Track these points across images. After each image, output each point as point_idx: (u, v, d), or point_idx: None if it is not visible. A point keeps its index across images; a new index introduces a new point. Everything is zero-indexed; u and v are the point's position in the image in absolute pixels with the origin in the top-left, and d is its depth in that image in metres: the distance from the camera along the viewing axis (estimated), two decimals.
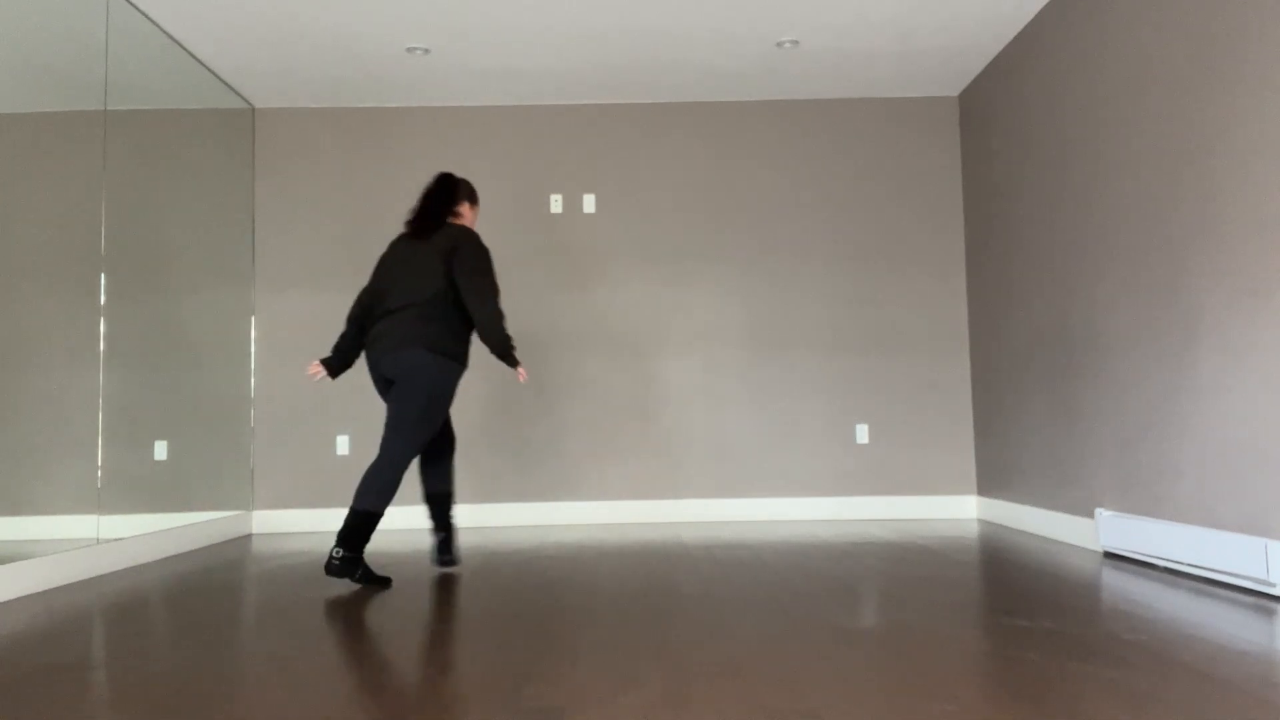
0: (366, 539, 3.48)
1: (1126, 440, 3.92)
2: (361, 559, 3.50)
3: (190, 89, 5.02)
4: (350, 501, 5.65)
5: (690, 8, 4.59)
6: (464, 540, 4.97)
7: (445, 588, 3.51)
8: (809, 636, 2.58)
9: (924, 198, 5.83)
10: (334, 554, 3.45)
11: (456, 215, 3.87)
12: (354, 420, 5.71)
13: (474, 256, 3.62)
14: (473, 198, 3.94)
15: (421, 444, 3.57)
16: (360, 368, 5.77)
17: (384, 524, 5.66)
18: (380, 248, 5.80)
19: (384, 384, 3.69)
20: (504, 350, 3.58)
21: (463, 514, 5.66)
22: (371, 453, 5.69)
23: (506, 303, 5.79)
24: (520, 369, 3.61)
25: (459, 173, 5.84)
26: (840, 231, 5.81)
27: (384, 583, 3.58)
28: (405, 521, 5.65)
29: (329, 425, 5.71)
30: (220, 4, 4.47)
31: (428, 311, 3.58)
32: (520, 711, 1.95)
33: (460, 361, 3.63)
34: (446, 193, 3.84)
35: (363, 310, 3.79)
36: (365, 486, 3.48)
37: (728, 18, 4.70)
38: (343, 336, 3.79)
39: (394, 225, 5.82)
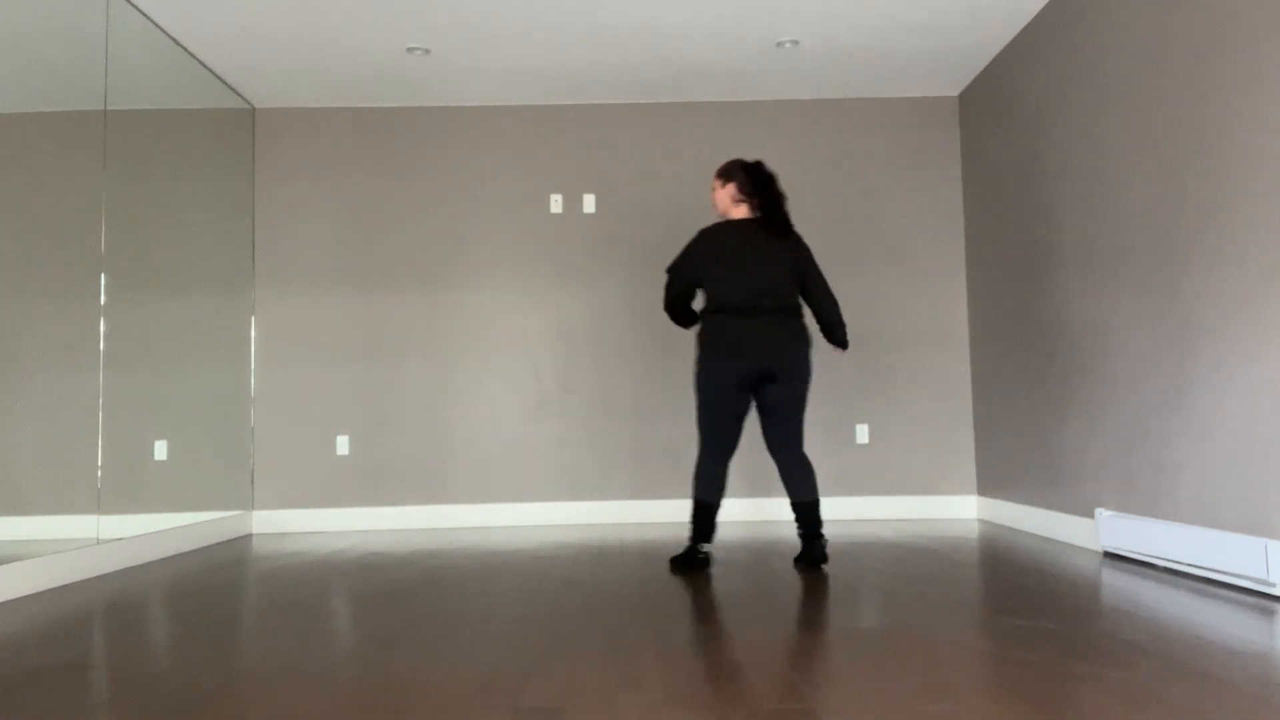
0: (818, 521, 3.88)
1: (1126, 440, 3.92)
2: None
3: (190, 89, 5.02)
4: (347, 501, 5.66)
5: (690, 8, 4.59)
6: (458, 541, 4.97)
7: (443, 590, 3.51)
8: (809, 636, 2.58)
9: (924, 198, 5.83)
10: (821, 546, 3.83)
11: None
12: (354, 420, 5.72)
13: (816, 262, 4.08)
14: None
15: None
16: (358, 364, 5.76)
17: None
18: (380, 248, 5.80)
19: (755, 380, 3.83)
20: (845, 341, 4.05)
21: (459, 515, 5.67)
22: (372, 452, 5.70)
23: (506, 300, 5.79)
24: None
25: (458, 173, 5.85)
26: (840, 231, 5.81)
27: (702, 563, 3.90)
28: (397, 522, 5.66)
29: (329, 425, 5.71)
30: (220, 4, 4.47)
31: (800, 313, 3.92)
32: (520, 711, 1.95)
33: None
34: (779, 191, 4.00)
35: (687, 298, 4.00)
36: (805, 471, 3.85)
37: (728, 18, 4.70)
38: (685, 312, 4.03)
39: (394, 225, 5.81)
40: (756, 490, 5.70)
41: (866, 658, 2.33)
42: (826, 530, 5.11)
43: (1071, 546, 4.29)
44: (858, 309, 5.76)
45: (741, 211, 3.98)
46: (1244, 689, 2.01)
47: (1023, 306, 4.91)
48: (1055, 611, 2.84)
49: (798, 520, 3.85)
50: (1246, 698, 1.95)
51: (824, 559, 3.80)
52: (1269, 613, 2.79)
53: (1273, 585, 3.01)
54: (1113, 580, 3.40)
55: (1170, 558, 3.54)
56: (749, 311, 3.80)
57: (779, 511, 5.67)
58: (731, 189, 3.98)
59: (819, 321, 4.01)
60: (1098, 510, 4.06)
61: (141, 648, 2.62)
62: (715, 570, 3.78)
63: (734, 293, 3.81)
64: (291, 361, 5.74)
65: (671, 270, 3.99)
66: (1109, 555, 4.00)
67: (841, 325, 4.01)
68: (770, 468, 5.70)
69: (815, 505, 3.83)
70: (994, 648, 2.40)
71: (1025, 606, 2.92)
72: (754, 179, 3.96)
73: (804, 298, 3.97)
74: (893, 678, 2.15)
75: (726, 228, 3.92)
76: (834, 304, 3.98)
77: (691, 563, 3.84)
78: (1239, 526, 3.22)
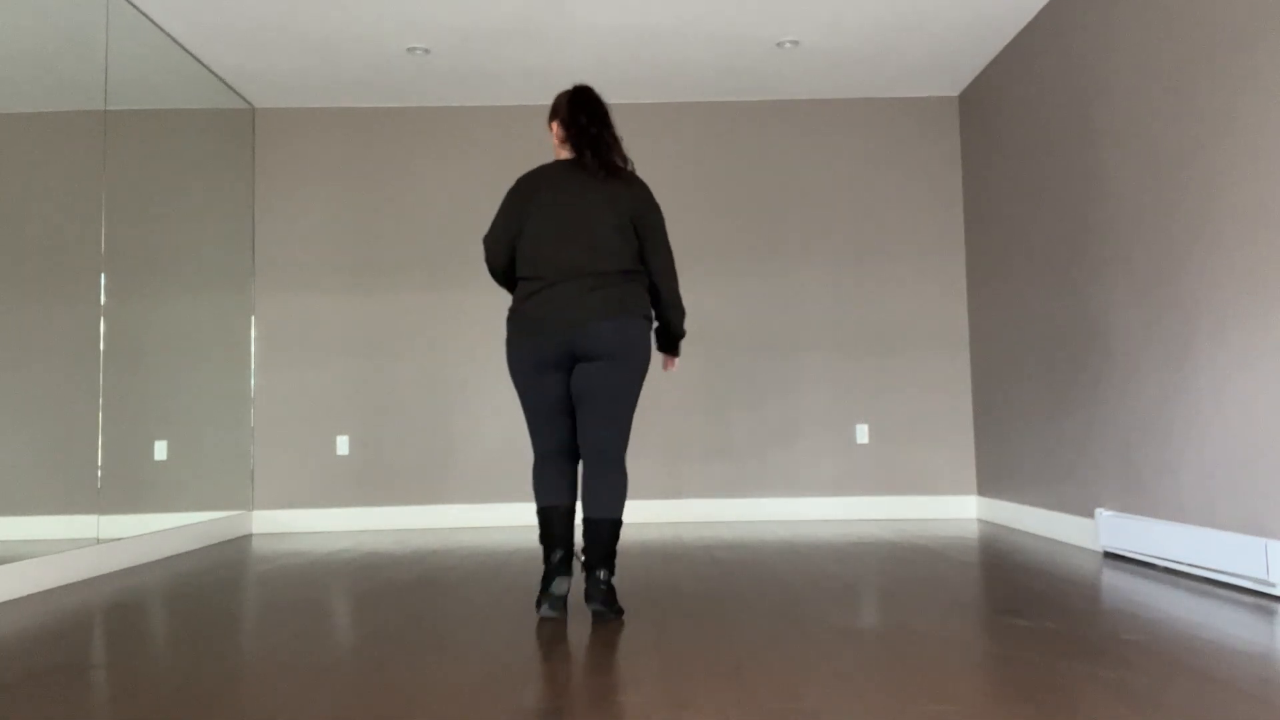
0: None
1: (1126, 440, 3.92)
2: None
3: (190, 89, 5.02)
4: (347, 501, 5.66)
5: (690, 8, 4.59)
6: (458, 541, 4.97)
7: (443, 590, 3.51)
8: (809, 636, 2.58)
9: (924, 197, 5.83)
10: (602, 580, 2.86)
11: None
12: (354, 420, 5.71)
13: (661, 216, 3.01)
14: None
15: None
16: (360, 363, 5.76)
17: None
18: (380, 248, 5.80)
19: (557, 363, 2.90)
20: (678, 331, 3.09)
21: (460, 514, 5.67)
22: (372, 452, 5.69)
23: (506, 299, 5.79)
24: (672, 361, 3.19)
25: (458, 173, 5.85)
26: (840, 231, 5.81)
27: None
28: (397, 522, 5.66)
29: (329, 425, 5.71)
30: (220, 4, 4.47)
31: (628, 277, 2.94)
32: (520, 711, 1.95)
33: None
34: (607, 116, 3.05)
35: (508, 267, 3.04)
36: (610, 485, 2.89)
37: (728, 18, 4.70)
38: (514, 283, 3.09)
39: (394, 225, 5.81)
40: (742, 491, 5.70)
41: (866, 658, 2.33)
42: (826, 529, 5.10)
43: (1071, 546, 4.29)
44: (858, 309, 5.77)
45: (564, 154, 3.07)
46: (1244, 689, 2.01)
47: (1023, 306, 4.91)
48: (1055, 611, 2.84)
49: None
50: (1246, 698, 1.95)
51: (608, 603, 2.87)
52: (1269, 613, 2.79)
53: (1273, 585, 3.01)
54: (1113, 580, 3.40)
55: (1170, 558, 3.54)
56: (555, 277, 2.89)
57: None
58: (556, 128, 3.07)
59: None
60: (1098, 510, 4.06)
61: (141, 648, 2.62)
62: (713, 571, 3.77)
63: (541, 253, 2.91)
64: (291, 361, 5.74)
65: (486, 240, 3.02)
66: (1109, 555, 4.00)
67: (678, 309, 3.03)
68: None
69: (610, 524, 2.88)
70: (994, 648, 2.40)
71: (1025, 606, 2.92)
72: (571, 108, 3.03)
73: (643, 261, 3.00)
74: (893, 678, 2.15)
75: (539, 173, 3.00)
76: (671, 276, 3.00)
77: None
78: (1239, 526, 3.22)
